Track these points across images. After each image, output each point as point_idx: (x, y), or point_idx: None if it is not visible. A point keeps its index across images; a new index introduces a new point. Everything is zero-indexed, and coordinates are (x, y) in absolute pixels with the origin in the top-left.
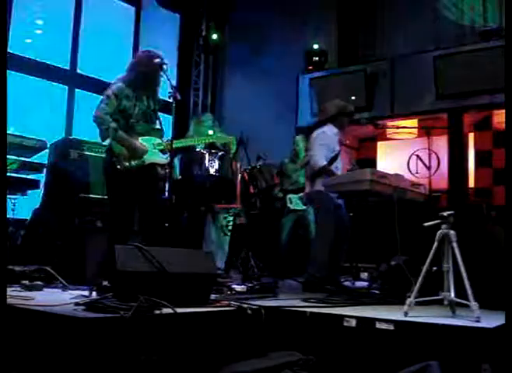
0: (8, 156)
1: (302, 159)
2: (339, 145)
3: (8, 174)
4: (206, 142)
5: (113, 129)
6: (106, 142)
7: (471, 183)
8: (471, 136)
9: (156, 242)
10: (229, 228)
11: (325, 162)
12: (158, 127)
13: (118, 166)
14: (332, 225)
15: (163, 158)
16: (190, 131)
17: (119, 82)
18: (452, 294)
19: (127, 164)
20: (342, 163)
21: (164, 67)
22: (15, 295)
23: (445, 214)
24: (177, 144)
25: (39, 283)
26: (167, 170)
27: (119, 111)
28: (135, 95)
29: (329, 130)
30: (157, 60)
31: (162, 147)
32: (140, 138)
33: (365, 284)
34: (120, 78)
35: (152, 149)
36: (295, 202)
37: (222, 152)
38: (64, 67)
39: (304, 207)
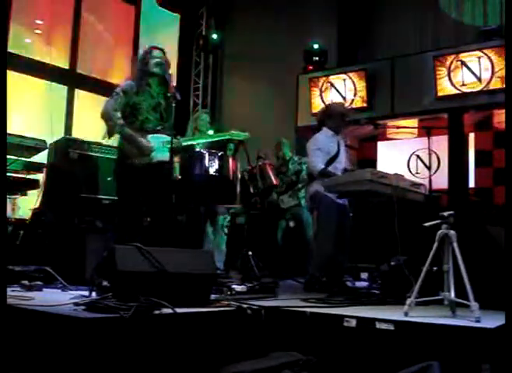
0: (8, 156)
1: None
2: (340, 146)
3: (8, 174)
4: (223, 139)
5: (120, 126)
6: (111, 140)
7: (471, 183)
8: (471, 136)
9: (163, 240)
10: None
11: (323, 166)
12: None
13: (129, 162)
14: (334, 225)
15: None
16: (188, 130)
17: (128, 80)
18: (452, 294)
19: (136, 161)
20: (344, 164)
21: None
22: (15, 295)
23: (445, 214)
24: (187, 141)
25: (39, 283)
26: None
27: (129, 106)
28: (143, 90)
29: (322, 134)
30: (156, 52)
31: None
32: (149, 136)
33: (365, 284)
34: (129, 76)
35: (161, 147)
36: (285, 200)
37: (222, 152)
38: (64, 67)
39: (296, 202)
